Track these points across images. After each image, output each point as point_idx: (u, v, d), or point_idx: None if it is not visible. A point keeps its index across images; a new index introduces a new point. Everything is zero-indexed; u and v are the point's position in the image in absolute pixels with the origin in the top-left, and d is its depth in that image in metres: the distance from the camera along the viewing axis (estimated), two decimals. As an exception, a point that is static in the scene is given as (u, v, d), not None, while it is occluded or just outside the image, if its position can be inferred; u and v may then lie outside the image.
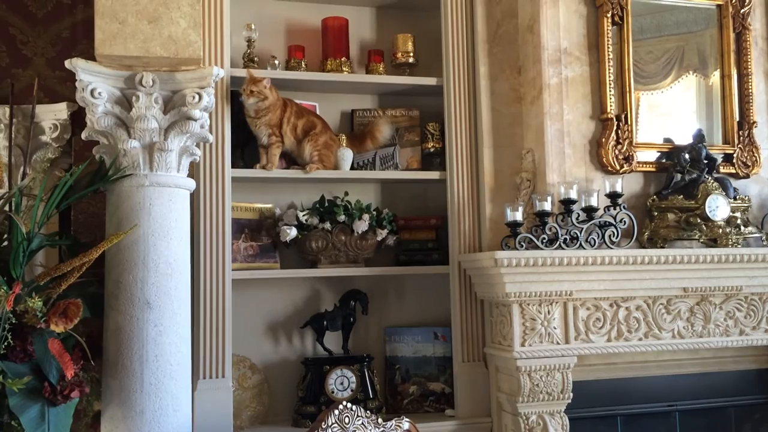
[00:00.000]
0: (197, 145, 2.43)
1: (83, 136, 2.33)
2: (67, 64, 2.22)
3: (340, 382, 2.87)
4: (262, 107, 2.82)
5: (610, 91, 2.94)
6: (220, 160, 2.76)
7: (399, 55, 3.15)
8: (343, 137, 3.06)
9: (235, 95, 2.87)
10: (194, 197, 2.65)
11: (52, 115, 2.81)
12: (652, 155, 3.04)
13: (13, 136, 2.75)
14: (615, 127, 2.93)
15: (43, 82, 2.86)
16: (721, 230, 2.91)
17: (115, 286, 2.24)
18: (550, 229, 2.73)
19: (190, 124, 2.29)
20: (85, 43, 2.81)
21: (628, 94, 2.97)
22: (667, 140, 3.07)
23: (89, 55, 2.25)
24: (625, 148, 2.93)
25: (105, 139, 2.31)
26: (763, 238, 3.02)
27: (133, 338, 2.20)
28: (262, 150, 2.90)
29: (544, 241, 2.71)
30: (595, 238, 2.76)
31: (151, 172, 2.27)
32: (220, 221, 2.74)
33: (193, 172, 2.64)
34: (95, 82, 2.22)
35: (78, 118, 2.73)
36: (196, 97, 2.28)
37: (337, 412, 2.13)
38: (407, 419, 2.34)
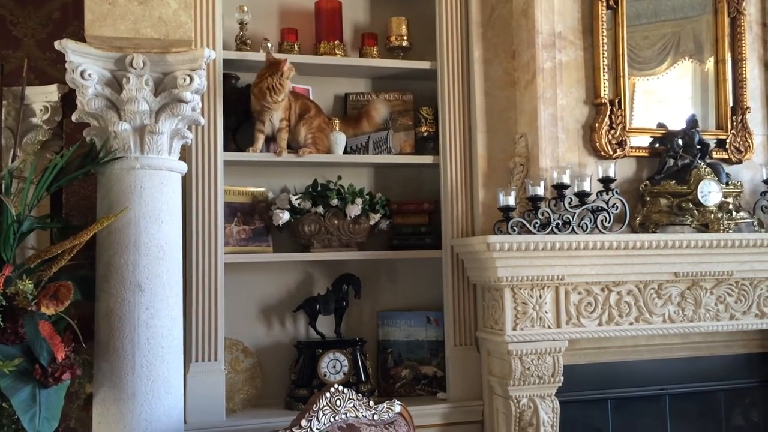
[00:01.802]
0: (189, 128, 2.42)
1: (74, 118, 2.31)
2: (57, 45, 2.20)
3: (333, 365, 2.88)
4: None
5: (604, 75, 2.93)
6: (212, 143, 2.75)
7: (393, 38, 3.13)
8: (337, 120, 3.04)
9: (227, 78, 2.86)
10: (186, 180, 2.64)
11: (42, 97, 2.80)
12: (645, 140, 3.04)
13: (3, 118, 2.73)
14: (608, 112, 2.92)
15: (34, 64, 2.83)
16: (712, 215, 2.92)
17: (106, 269, 2.24)
18: (542, 214, 2.73)
19: (181, 107, 2.28)
20: (76, 24, 2.79)
21: (622, 79, 2.97)
22: (661, 125, 3.07)
23: (80, 37, 2.23)
24: (618, 133, 2.93)
25: (95, 122, 2.30)
26: (755, 223, 3.03)
27: (124, 321, 2.20)
28: (258, 133, 2.87)
29: (537, 225, 2.71)
30: (588, 222, 2.77)
31: (142, 154, 2.26)
32: (213, 205, 2.74)
33: (185, 155, 2.63)
34: (85, 64, 2.20)
35: (69, 100, 2.71)
36: (187, 79, 2.26)
37: (328, 394, 2.14)
38: (399, 402, 2.35)
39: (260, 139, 2.87)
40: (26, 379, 1.99)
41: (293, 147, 2.95)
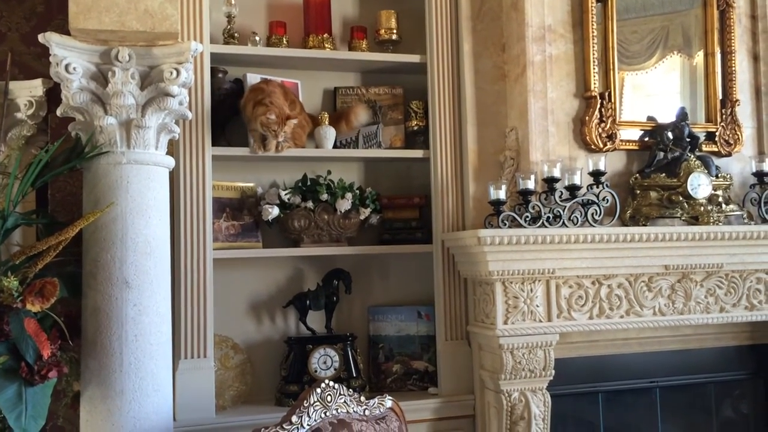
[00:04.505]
0: (176, 123, 2.39)
1: (59, 112, 2.28)
2: (41, 38, 2.16)
3: (324, 361, 2.87)
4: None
5: (594, 69, 2.93)
6: (200, 137, 2.72)
7: (382, 31, 3.11)
8: (326, 115, 3.02)
9: (214, 72, 2.83)
10: (174, 175, 2.62)
11: (27, 91, 2.76)
12: (635, 133, 3.04)
13: (-13, 113, 2.70)
14: (598, 105, 2.92)
15: (18, 58, 2.80)
16: (702, 208, 2.92)
17: (93, 266, 2.21)
18: (533, 208, 2.73)
19: (168, 101, 2.25)
20: (60, 18, 2.75)
21: (611, 72, 2.96)
22: (651, 119, 3.07)
23: (65, 31, 2.19)
24: (608, 126, 2.93)
25: (81, 116, 2.26)
26: (744, 215, 3.04)
27: (112, 318, 2.17)
28: (254, 134, 2.79)
29: (527, 219, 2.71)
30: (578, 216, 2.76)
31: (129, 149, 2.23)
32: (201, 200, 2.71)
33: (173, 149, 2.60)
34: (70, 57, 2.16)
35: (54, 94, 2.68)
36: (174, 72, 2.23)
37: (319, 390, 2.12)
38: (390, 397, 2.34)
39: (259, 139, 2.80)
40: (12, 377, 1.97)
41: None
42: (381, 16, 3.12)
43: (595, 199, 2.80)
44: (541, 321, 2.74)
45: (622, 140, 2.97)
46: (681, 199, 2.93)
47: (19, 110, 2.76)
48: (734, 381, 3.22)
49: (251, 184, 2.98)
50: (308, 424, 2.03)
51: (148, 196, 2.25)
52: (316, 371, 2.85)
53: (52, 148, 2.23)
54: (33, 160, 2.20)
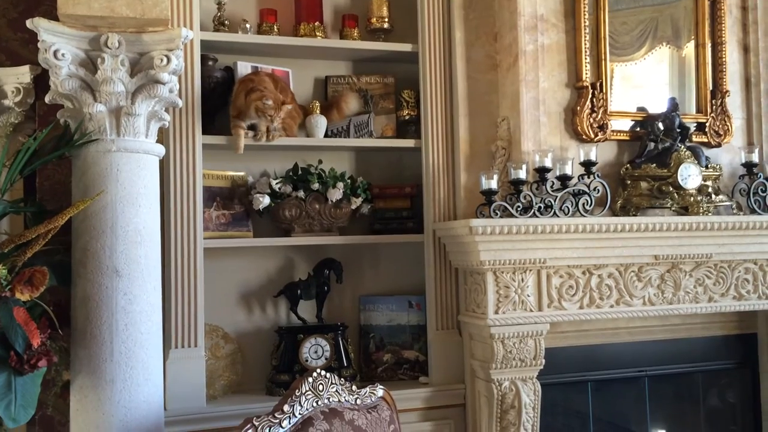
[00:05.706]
0: (166, 110, 2.37)
1: (47, 99, 2.25)
2: (29, 23, 2.13)
3: (315, 350, 2.87)
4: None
5: (585, 59, 2.93)
6: (191, 125, 2.70)
7: (374, 20, 3.10)
8: (317, 104, 3.00)
9: (204, 59, 2.81)
10: (164, 164, 2.60)
11: (14, 78, 2.72)
12: (626, 124, 3.05)
13: (-27, 100, 2.66)
14: (590, 95, 2.92)
15: (5, 45, 2.76)
16: (692, 198, 2.94)
17: (82, 254, 2.19)
18: (524, 198, 2.73)
19: (158, 88, 2.23)
20: (49, 3, 2.70)
21: (603, 62, 2.96)
22: (641, 109, 3.08)
23: (53, 16, 2.16)
24: (599, 116, 2.93)
25: (70, 103, 2.24)
26: (733, 206, 3.06)
27: (102, 307, 2.16)
28: (239, 129, 2.76)
29: (519, 209, 2.71)
30: (569, 206, 2.77)
31: (118, 137, 2.21)
32: (191, 189, 2.69)
33: (163, 138, 2.58)
34: (58, 43, 2.13)
35: (42, 81, 2.64)
36: (164, 59, 2.21)
37: (311, 379, 2.12)
38: (381, 386, 2.34)
39: (242, 135, 2.76)
40: (1, 367, 1.95)
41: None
42: (373, 4, 3.10)
43: (586, 189, 2.80)
44: (531, 310, 2.75)
45: (613, 130, 2.98)
46: (671, 189, 2.94)
47: (6, 97, 2.72)
48: (722, 370, 3.25)
49: (242, 173, 2.96)
50: (300, 413, 2.03)
51: (138, 184, 2.23)
52: (307, 361, 2.84)
53: (40, 136, 2.20)
54: (21, 148, 2.17)
